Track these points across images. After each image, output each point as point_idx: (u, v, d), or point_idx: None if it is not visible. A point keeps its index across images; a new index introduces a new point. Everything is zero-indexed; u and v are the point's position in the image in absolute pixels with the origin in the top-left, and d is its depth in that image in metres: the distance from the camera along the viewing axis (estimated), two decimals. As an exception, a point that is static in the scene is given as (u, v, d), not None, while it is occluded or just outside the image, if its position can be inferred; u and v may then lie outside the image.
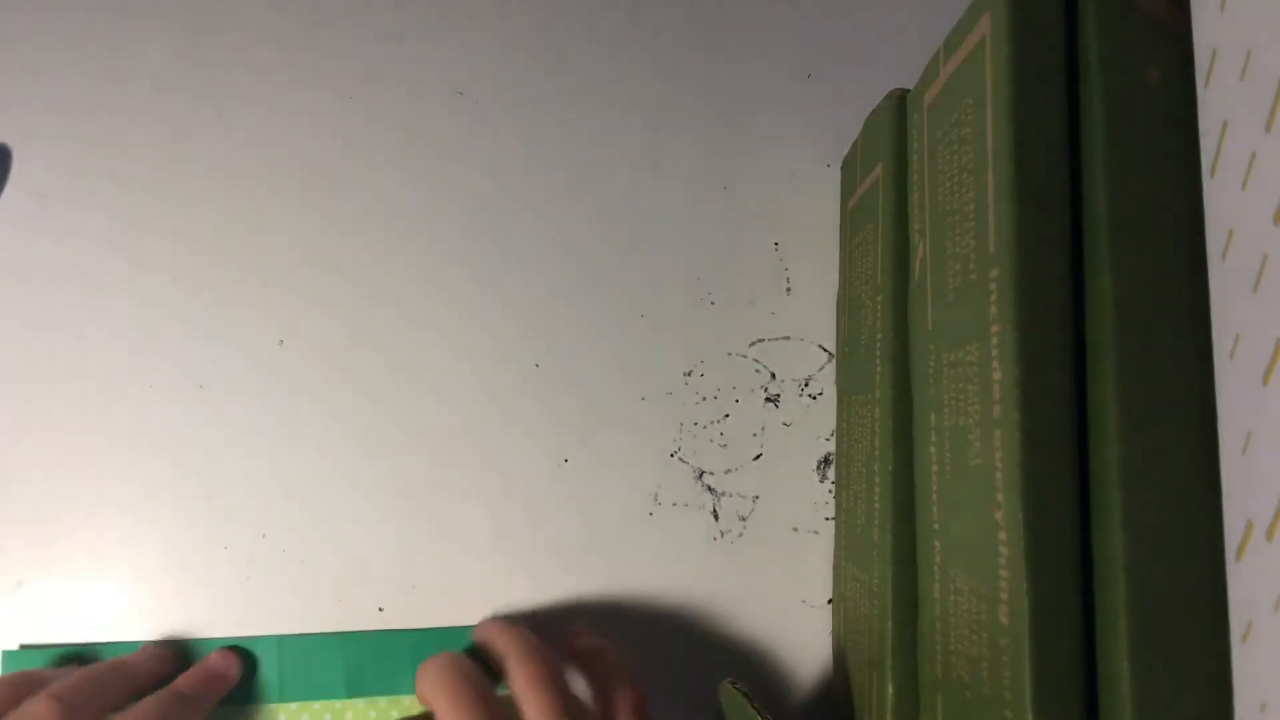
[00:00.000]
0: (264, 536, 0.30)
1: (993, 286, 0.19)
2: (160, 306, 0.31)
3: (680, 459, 0.32)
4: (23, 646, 0.29)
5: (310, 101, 0.32)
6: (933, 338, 0.23)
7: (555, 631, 0.29)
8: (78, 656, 0.29)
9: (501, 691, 0.24)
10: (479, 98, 0.33)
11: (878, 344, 0.26)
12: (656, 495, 0.31)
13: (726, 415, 0.32)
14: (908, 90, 0.27)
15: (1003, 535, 0.19)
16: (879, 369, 0.26)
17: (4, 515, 0.30)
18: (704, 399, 0.32)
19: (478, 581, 0.31)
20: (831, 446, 0.32)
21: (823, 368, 0.32)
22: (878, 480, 0.26)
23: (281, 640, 0.30)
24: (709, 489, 0.32)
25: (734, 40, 0.34)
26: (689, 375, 0.32)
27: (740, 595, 0.31)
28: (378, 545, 0.31)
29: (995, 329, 0.19)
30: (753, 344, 0.32)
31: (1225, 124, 0.17)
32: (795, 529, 0.32)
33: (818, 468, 0.32)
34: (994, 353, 0.19)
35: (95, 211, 0.31)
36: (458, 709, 0.22)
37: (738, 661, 0.31)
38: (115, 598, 0.30)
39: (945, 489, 0.22)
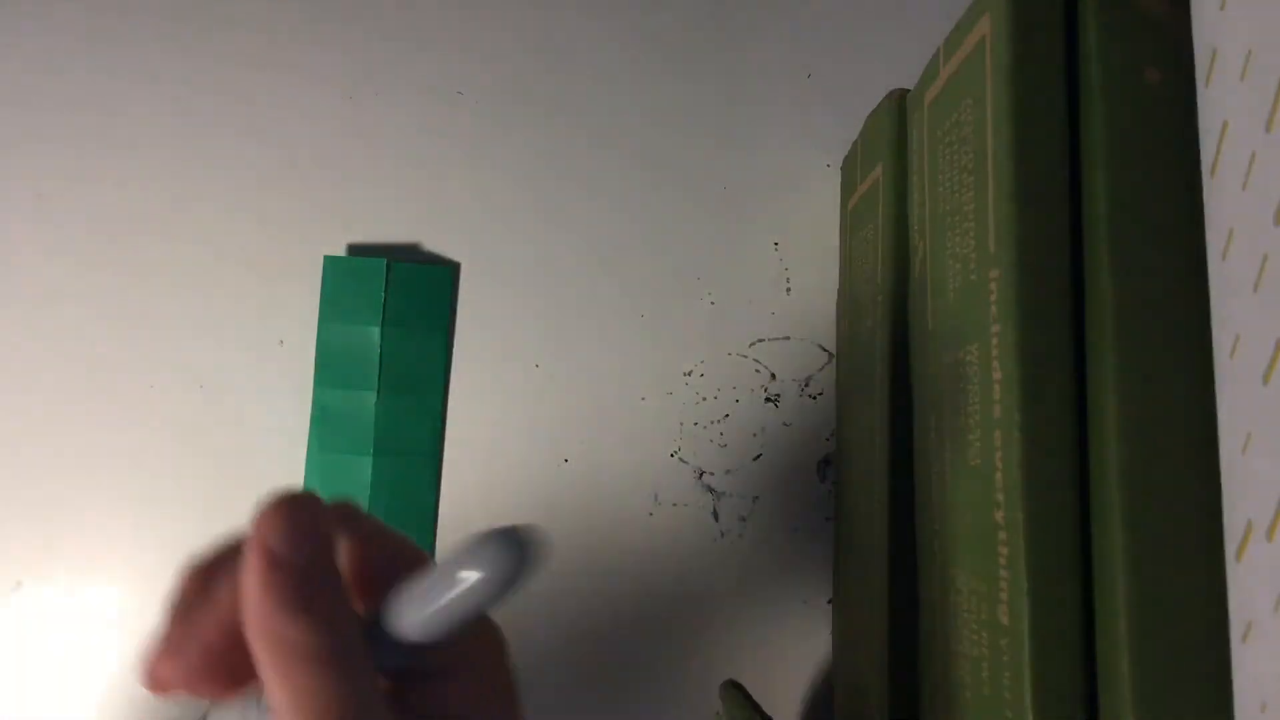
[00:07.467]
0: (264, 536, 0.30)
1: (993, 286, 0.19)
2: (160, 306, 0.31)
3: (680, 459, 0.32)
4: (351, 248, 0.32)
5: (311, 101, 0.32)
6: (933, 338, 0.23)
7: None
8: None
9: None
10: (479, 98, 0.33)
11: (878, 344, 0.26)
12: (656, 495, 0.31)
13: (726, 415, 0.32)
14: (908, 90, 0.27)
15: (1003, 535, 0.19)
16: (879, 369, 0.26)
17: (4, 515, 0.30)
18: (704, 399, 0.32)
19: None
20: (831, 446, 0.32)
21: (823, 368, 0.32)
22: (878, 480, 0.26)
23: None
24: (709, 489, 0.32)
25: (734, 40, 0.34)
26: (689, 375, 0.32)
27: (740, 595, 0.31)
28: (378, 545, 0.31)
29: (995, 329, 0.19)
30: (753, 344, 0.32)
31: (1225, 124, 0.17)
32: (795, 529, 0.32)
33: (818, 468, 0.32)
34: (994, 353, 0.19)
35: (94, 210, 0.31)
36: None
37: (738, 661, 0.31)
38: (115, 598, 0.30)
39: (945, 489, 0.22)
